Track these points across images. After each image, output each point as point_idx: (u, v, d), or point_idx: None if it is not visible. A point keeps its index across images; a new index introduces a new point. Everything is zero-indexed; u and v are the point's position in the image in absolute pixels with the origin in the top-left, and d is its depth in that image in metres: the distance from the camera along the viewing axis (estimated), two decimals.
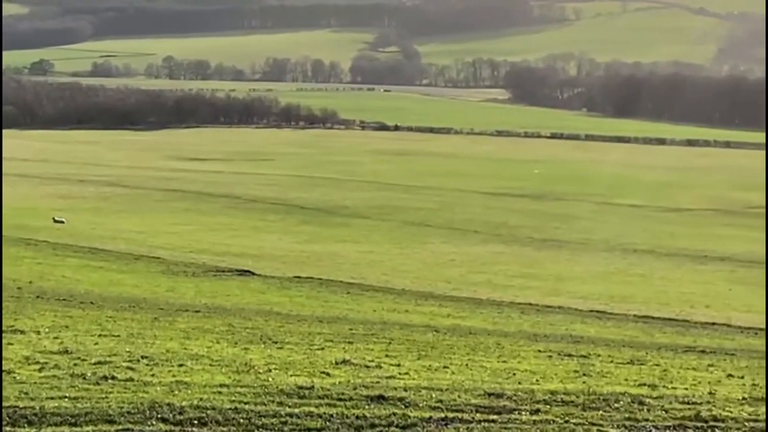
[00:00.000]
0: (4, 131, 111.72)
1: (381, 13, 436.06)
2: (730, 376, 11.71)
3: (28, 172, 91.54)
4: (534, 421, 8.02)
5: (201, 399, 8.21)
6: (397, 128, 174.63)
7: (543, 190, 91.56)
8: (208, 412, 7.80)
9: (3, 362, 9.51)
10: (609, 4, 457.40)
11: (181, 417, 7.60)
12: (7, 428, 7.12)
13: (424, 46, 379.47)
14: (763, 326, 25.82)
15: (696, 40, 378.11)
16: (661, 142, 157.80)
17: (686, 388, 10.13)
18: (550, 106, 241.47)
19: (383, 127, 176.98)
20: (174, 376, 9.46)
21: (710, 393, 9.78)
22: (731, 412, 8.64)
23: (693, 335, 22.50)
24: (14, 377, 8.94)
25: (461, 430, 7.68)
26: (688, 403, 8.96)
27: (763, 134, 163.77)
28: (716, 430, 7.98)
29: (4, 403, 7.62)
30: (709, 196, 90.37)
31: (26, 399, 7.91)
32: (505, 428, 7.81)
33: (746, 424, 8.23)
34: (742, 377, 11.56)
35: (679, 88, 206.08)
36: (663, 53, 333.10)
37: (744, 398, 9.46)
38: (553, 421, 8.01)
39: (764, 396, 9.64)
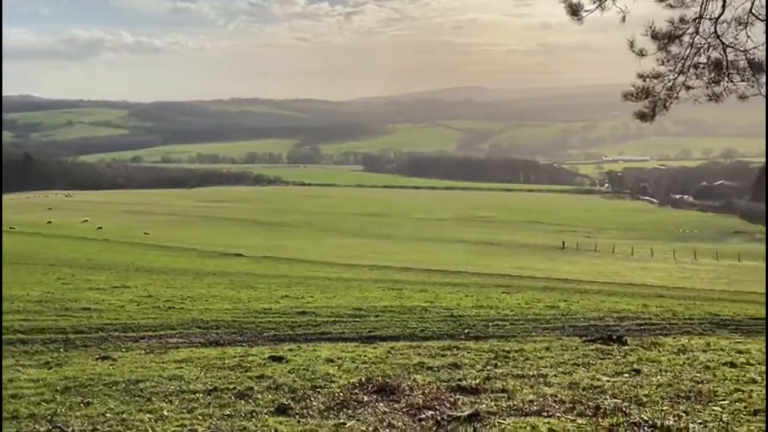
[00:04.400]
0: None
1: None
2: (467, 295, 23.13)
3: None
4: (376, 320, 18.39)
5: None
6: None
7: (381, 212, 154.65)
8: None
9: None
10: None
11: None
12: None
13: None
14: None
15: None
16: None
17: (448, 303, 21.09)
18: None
19: None
20: None
21: (457, 304, 20.84)
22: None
23: (452, 277, 35.60)
24: None
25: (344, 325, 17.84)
26: (449, 309, 19.78)
27: None
28: None
29: None
30: (457, 212, 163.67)
31: None
32: (362, 324, 17.84)
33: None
34: (470, 295, 22.99)
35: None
36: None
37: (477, 306, 20.49)
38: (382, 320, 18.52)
39: None
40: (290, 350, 11.08)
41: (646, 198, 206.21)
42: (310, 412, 7.51)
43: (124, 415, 7.18)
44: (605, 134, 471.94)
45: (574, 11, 7.38)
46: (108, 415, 7.22)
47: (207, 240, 77.76)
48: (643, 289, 35.57)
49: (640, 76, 7.44)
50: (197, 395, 8.04)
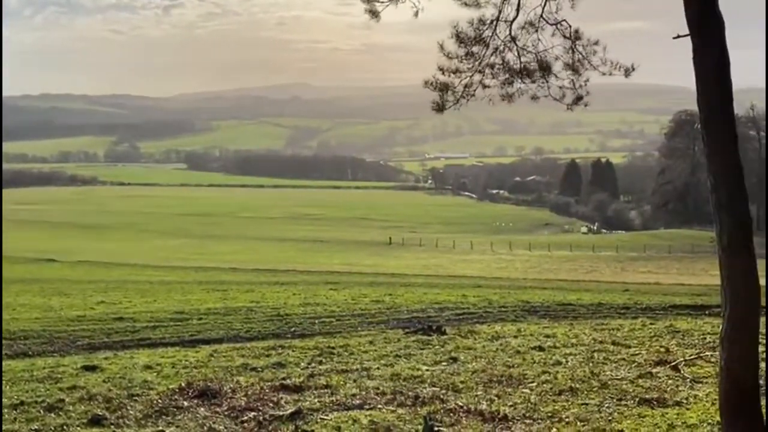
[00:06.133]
0: None
1: None
2: (295, 293, 23.09)
3: None
4: (199, 322, 17.87)
5: None
6: None
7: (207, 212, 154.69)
8: None
9: None
10: None
11: None
12: None
13: None
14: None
15: None
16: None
17: (275, 302, 20.97)
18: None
19: None
20: None
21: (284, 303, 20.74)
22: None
23: (281, 276, 35.35)
24: None
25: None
26: (276, 308, 19.63)
27: None
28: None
29: None
30: (286, 210, 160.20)
31: None
32: (184, 327, 17.24)
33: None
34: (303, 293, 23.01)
35: None
36: None
37: (304, 304, 20.47)
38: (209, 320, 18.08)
39: None
40: (106, 358, 10.60)
41: (466, 193, 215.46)
42: (126, 422, 7.24)
43: None
44: (427, 133, 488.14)
45: (372, 11, 7.61)
46: None
47: (16, 245, 72.29)
48: (463, 281, 37.17)
49: (440, 68, 7.77)
50: (2, 410, 7.53)
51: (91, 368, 9.66)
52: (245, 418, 7.38)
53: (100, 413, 7.42)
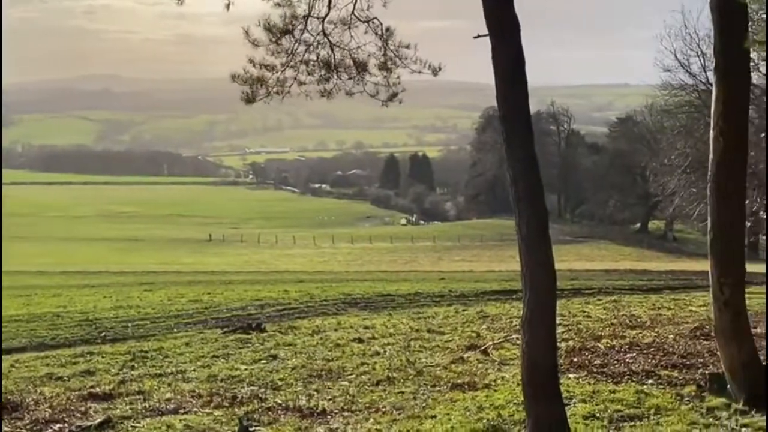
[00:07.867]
0: None
1: None
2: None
3: None
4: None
5: None
6: None
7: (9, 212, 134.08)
8: None
9: None
10: None
11: None
12: None
13: None
14: None
15: None
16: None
17: (84, 306, 19.89)
18: None
19: None
20: None
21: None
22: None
23: (91, 278, 33.58)
24: None
25: None
26: (85, 312, 18.62)
27: None
28: None
29: None
30: (97, 208, 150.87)
31: None
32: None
33: None
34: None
35: None
36: None
37: (116, 307, 19.51)
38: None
39: None
40: None
41: (288, 188, 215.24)
42: None
43: None
44: (247, 126, 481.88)
45: None
46: None
47: None
48: (285, 276, 37.10)
49: (251, 61, 7.67)
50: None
51: None
52: (50, 430, 6.94)
53: None
